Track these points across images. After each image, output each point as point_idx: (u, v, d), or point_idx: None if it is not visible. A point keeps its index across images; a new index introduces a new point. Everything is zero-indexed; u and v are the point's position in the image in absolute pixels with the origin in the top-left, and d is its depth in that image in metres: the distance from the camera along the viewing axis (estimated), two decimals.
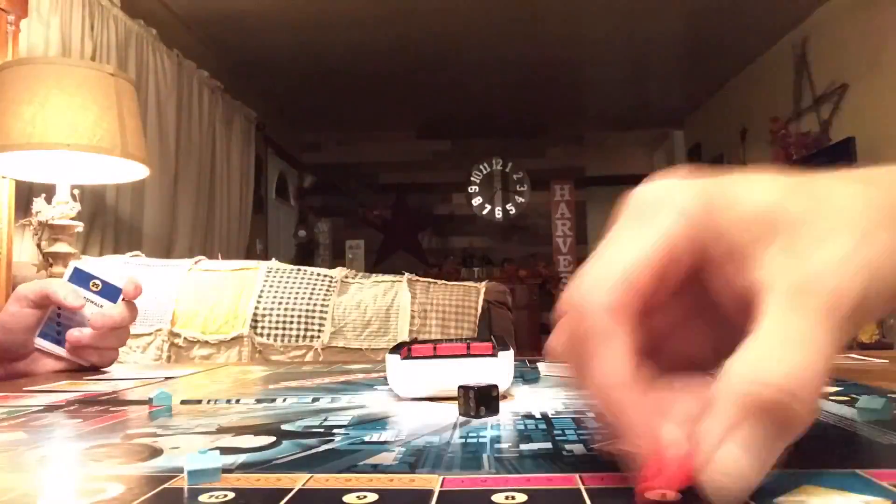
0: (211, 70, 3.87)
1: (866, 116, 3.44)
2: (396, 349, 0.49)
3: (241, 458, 0.32)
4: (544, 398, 0.48)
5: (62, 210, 1.84)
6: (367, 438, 0.36)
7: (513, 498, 0.24)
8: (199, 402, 0.50)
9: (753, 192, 0.24)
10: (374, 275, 1.86)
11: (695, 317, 0.27)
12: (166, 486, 0.27)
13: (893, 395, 0.43)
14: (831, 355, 0.21)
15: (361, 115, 5.89)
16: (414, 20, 3.96)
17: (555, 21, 4.00)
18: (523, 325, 5.29)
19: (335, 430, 0.38)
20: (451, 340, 0.51)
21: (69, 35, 2.51)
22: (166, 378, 0.66)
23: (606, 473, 0.27)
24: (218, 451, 0.28)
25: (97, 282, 0.70)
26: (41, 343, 0.70)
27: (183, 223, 3.48)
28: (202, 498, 0.25)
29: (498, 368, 0.47)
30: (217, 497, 0.25)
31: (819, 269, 0.22)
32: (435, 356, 0.48)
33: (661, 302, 0.25)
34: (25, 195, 2.16)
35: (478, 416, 0.38)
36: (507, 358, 0.47)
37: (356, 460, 0.31)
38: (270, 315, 1.68)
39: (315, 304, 1.69)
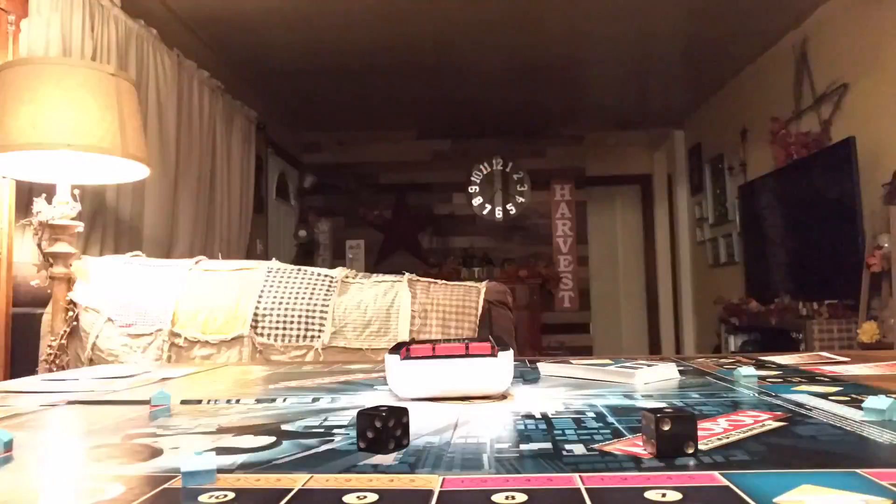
0: (211, 70, 3.86)
1: (866, 116, 3.44)
2: (396, 349, 0.49)
3: (241, 458, 0.31)
4: (544, 398, 0.48)
5: (62, 210, 1.84)
6: None
7: (513, 498, 0.24)
8: (199, 402, 0.50)
9: None
10: (374, 275, 1.85)
11: None
12: (166, 486, 0.27)
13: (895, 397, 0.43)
14: None
15: (361, 115, 5.89)
16: (414, 20, 3.96)
17: (555, 21, 4.00)
18: (523, 325, 5.28)
19: (335, 430, 0.38)
20: (449, 340, 0.51)
21: (69, 35, 2.50)
22: (166, 378, 0.66)
23: (606, 473, 0.27)
24: (213, 453, 0.28)
25: None
26: None
27: (183, 223, 3.47)
28: (202, 498, 0.25)
29: (498, 369, 0.47)
30: (217, 497, 0.25)
31: None
32: (434, 356, 0.48)
33: None
34: (25, 195, 2.16)
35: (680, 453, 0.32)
36: (507, 358, 0.47)
37: (356, 460, 0.31)
38: (271, 315, 1.68)
39: (315, 304, 1.69)
